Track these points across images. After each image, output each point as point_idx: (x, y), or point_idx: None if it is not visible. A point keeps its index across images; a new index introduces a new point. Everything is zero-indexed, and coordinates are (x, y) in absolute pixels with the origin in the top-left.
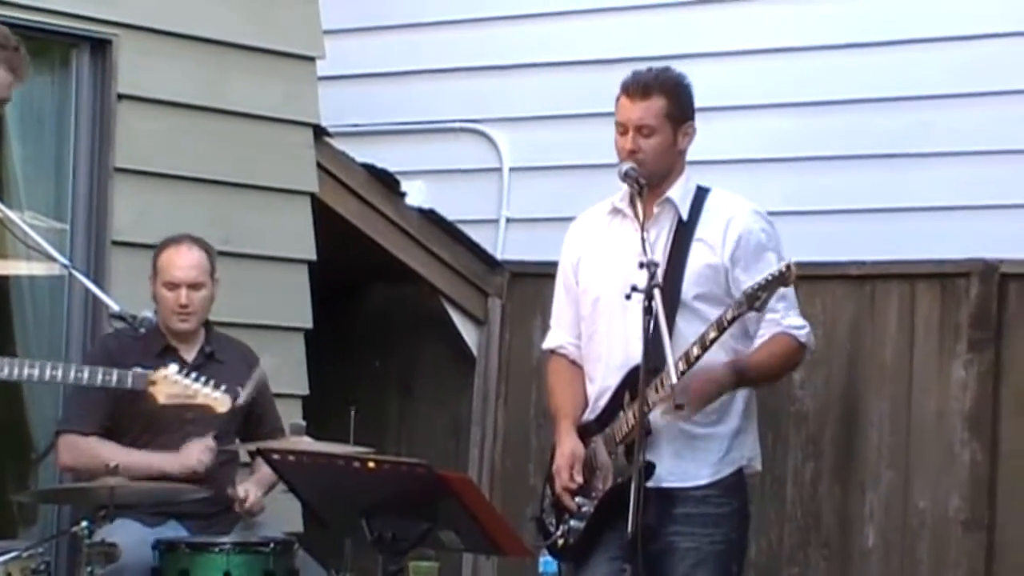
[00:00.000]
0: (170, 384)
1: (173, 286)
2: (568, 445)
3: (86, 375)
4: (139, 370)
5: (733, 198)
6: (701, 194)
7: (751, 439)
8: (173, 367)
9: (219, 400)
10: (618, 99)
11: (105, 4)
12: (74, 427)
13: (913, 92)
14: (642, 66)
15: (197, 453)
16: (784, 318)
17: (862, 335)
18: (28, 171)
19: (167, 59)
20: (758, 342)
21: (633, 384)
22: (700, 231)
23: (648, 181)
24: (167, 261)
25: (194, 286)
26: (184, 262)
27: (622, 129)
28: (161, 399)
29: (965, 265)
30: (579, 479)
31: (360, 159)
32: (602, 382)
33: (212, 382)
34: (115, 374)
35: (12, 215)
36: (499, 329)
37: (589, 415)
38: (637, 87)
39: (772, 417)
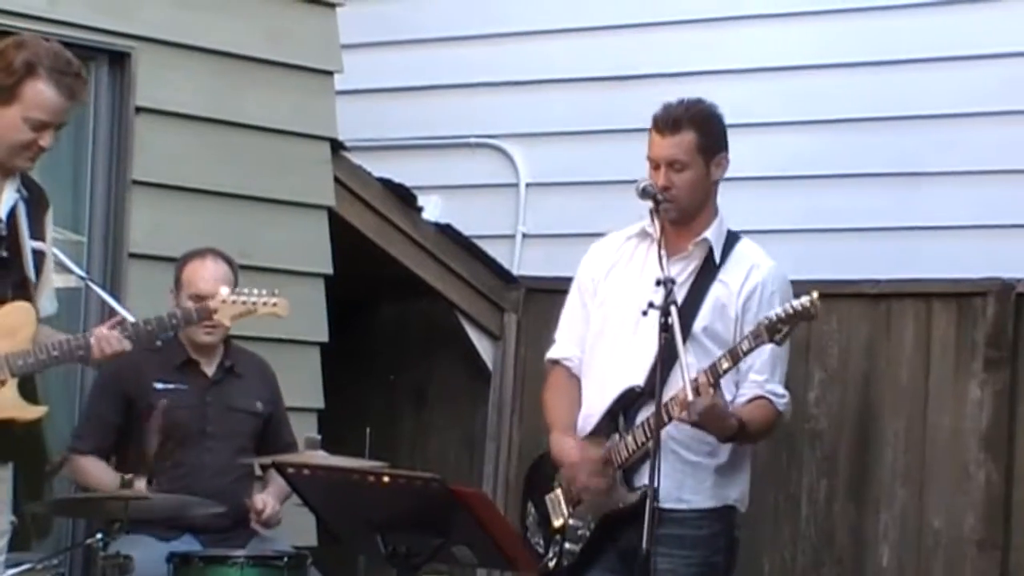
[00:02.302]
0: (229, 306)
1: (199, 299)
2: (576, 448)
3: (154, 325)
4: (200, 305)
5: (758, 252)
6: (731, 239)
7: (739, 479)
8: (224, 289)
9: (279, 305)
10: (649, 133)
11: (123, 17)
12: (74, 446)
13: (931, 111)
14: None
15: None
16: (768, 383)
17: (877, 354)
18: (46, 183)
19: (185, 73)
20: (740, 401)
21: (626, 407)
22: (724, 274)
23: (679, 216)
24: (192, 274)
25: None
26: (210, 275)
27: (654, 165)
28: (227, 322)
29: (982, 284)
30: (601, 482)
31: (377, 174)
32: (596, 401)
33: (264, 291)
34: (180, 314)
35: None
36: (515, 344)
37: (584, 431)
38: (667, 122)
39: (786, 435)
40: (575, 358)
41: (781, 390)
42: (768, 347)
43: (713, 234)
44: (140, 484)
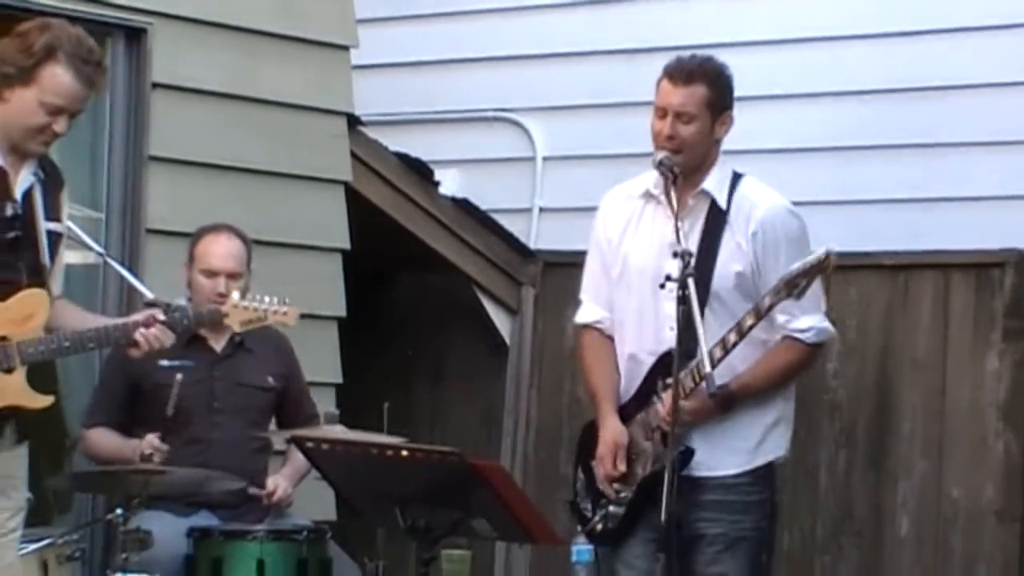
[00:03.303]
0: (240, 312)
1: (211, 274)
2: (611, 432)
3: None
4: (212, 308)
5: (762, 191)
6: (735, 180)
7: (784, 430)
8: (236, 294)
9: (288, 315)
10: (659, 82)
11: None
12: (86, 421)
13: (948, 81)
14: (676, 55)
15: (146, 444)
16: (790, 322)
17: (895, 325)
18: (63, 159)
19: (201, 48)
20: (770, 344)
21: (666, 369)
22: (731, 223)
23: (682, 169)
24: (205, 249)
25: (232, 276)
26: (223, 251)
27: (661, 113)
28: (237, 328)
29: (1000, 255)
30: (622, 468)
31: (394, 148)
32: (633, 367)
33: (276, 299)
34: (191, 316)
35: None
36: (532, 318)
37: (624, 398)
38: (680, 72)
39: (805, 407)
40: (604, 319)
41: (806, 324)
42: None
43: (713, 183)
44: (152, 437)
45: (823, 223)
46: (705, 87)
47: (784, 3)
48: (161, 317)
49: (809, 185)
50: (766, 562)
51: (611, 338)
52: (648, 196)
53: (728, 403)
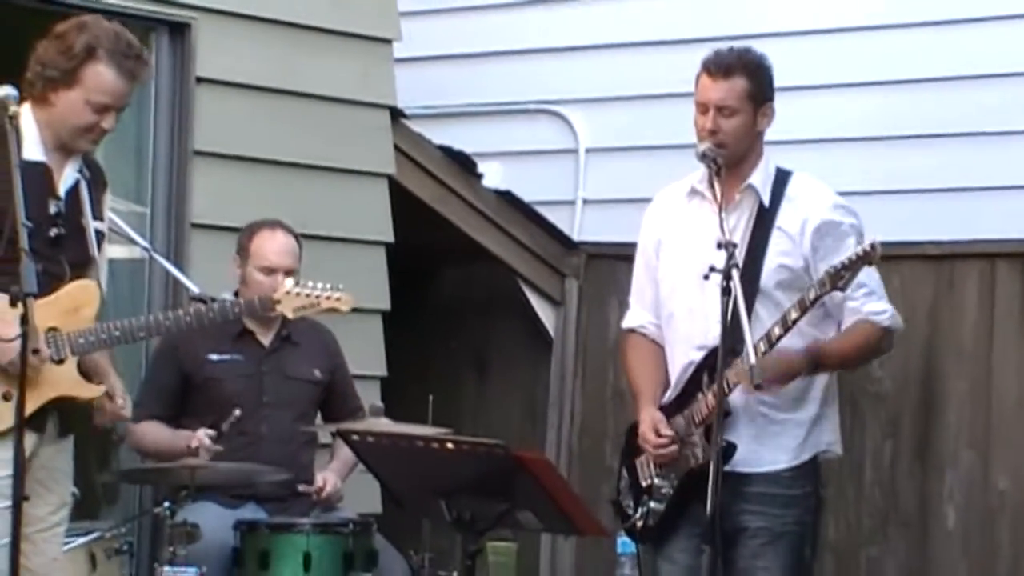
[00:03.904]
0: (292, 298)
1: (270, 271)
2: (648, 416)
3: (216, 312)
4: (263, 296)
5: (814, 186)
6: (782, 177)
7: (830, 425)
8: (289, 281)
9: (342, 300)
10: (698, 77)
11: None
12: (133, 413)
13: (993, 70)
14: (719, 46)
15: (197, 439)
16: (864, 304)
17: (941, 315)
18: (108, 155)
19: (245, 42)
20: (843, 328)
21: (712, 365)
22: (780, 219)
23: (726, 162)
24: (263, 246)
25: (289, 272)
26: (280, 247)
27: (702, 108)
28: (290, 315)
29: None
30: (668, 431)
31: (437, 141)
32: (682, 363)
33: (328, 285)
34: (243, 303)
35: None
36: (576, 310)
37: (669, 395)
38: (719, 66)
39: (850, 398)
40: (649, 324)
41: (881, 306)
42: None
43: (759, 178)
44: (203, 434)
45: (868, 213)
46: (745, 79)
47: None
48: (190, 308)
49: (854, 175)
50: (809, 557)
51: (655, 342)
52: (693, 193)
53: (816, 363)
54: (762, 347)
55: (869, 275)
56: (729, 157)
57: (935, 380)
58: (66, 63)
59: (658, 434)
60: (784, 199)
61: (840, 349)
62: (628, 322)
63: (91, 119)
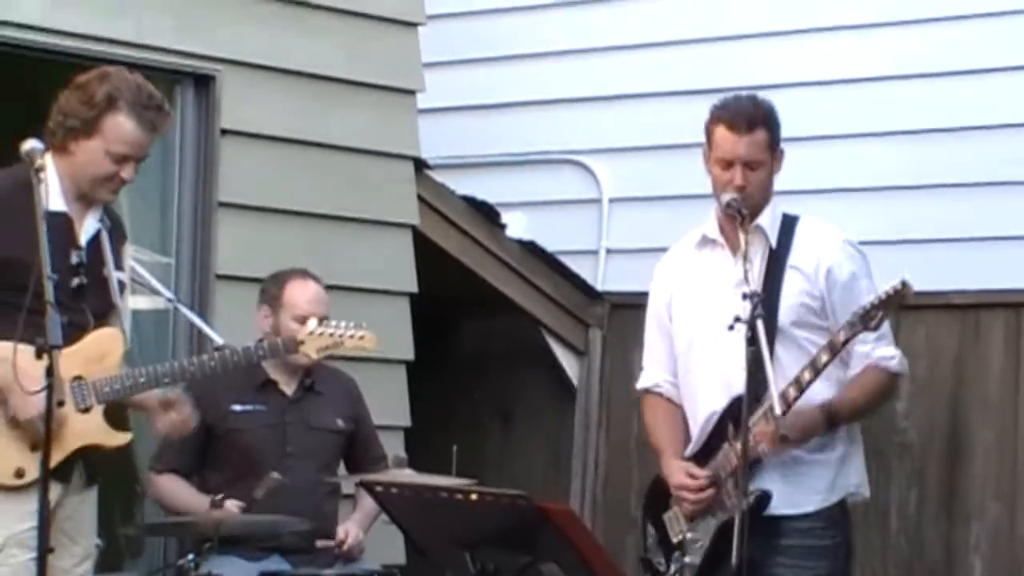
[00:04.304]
0: (316, 338)
1: (304, 320)
2: (676, 467)
3: (241, 356)
4: (287, 337)
5: (823, 228)
6: (789, 222)
7: (856, 465)
8: (312, 321)
9: (366, 339)
10: (713, 130)
11: (208, 40)
12: (154, 465)
13: (1018, 120)
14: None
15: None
16: (875, 349)
17: (966, 365)
18: (133, 206)
19: (269, 94)
20: (851, 373)
21: (735, 416)
22: (793, 258)
23: (751, 212)
24: (295, 295)
25: (322, 320)
26: (313, 296)
27: (726, 164)
28: (314, 355)
29: None
30: (703, 472)
31: (460, 191)
32: (704, 415)
33: (352, 323)
34: (267, 345)
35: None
36: (600, 360)
37: (692, 448)
38: (741, 120)
39: (876, 448)
40: (664, 383)
41: (891, 351)
42: None
43: (766, 220)
44: (231, 504)
45: (892, 262)
46: (765, 130)
47: (848, 43)
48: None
49: (879, 224)
50: None
51: (671, 400)
52: (705, 242)
53: (833, 420)
54: (792, 392)
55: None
56: (755, 208)
57: (961, 430)
58: (87, 113)
59: (694, 477)
60: (794, 239)
61: (853, 402)
62: (643, 383)
63: (110, 169)
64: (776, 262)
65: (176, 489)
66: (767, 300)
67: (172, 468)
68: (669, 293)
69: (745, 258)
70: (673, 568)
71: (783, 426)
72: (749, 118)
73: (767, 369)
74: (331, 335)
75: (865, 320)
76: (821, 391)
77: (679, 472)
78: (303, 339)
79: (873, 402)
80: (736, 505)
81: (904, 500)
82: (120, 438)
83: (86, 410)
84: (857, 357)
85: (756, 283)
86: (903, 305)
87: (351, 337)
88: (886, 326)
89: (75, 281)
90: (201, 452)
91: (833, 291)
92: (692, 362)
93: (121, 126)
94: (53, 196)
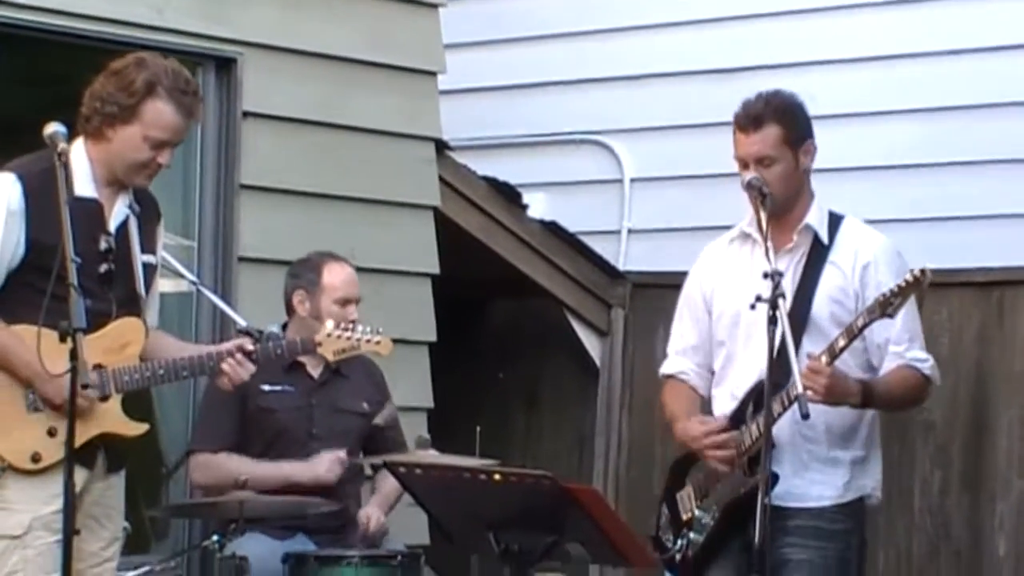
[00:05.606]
0: (333, 341)
1: (345, 302)
2: (688, 422)
3: (258, 354)
4: (304, 337)
5: (866, 229)
6: (835, 221)
7: (873, 470)
8: (330, 323)
9: (382, 344)
10: (734, 133)
11: (229, 24)
12: (204, 446)
13: None
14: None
15: (327, 463)
16: (908, 351)
17: (990, 342)
18: (156, 189)
19: (291, 77)
20: (882, 373)
21: (757, 397)
22: (833, 255)
23: (776, 209)
24: (334, 278)
25: (357, 302)
26: (350, 277)
27: (742, 164)
28: (330, 357)
29: None
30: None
31: (482, 172)
32: (730, 404)
33: (369, 328)
34: (285, 344)
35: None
36: (622, 340)
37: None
38: (748, 119)
39: (899, 427)
40: (688, 371)
41: (924, 355)
42: (900, 317)
43: (815, 219)
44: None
45: (915, 241)
46: (776, 126)
47: (871, 20)
48: (249, 347)
49: (899, 202)
50: None
51: (692, 387)
52: (743, 237)
53: (867, 397)
54: (825, 359)
55: (914, 324)
56: (779, 202)
57: (985, 408)
58: (126, 99)
59: (707, 424)
60: (837, 238)
61: (887, 387)
62: (667, 368)
63: (148, 155)
64: (817, 258)
65: (233, 461)
66: (802, 293)
67: (214, 447)
68: (710, 287)
69: (766, 237)
70: (679, 544)
71: (812, 379)
72: (755, 116)
73: (789, 348)
74: (348, 339)
75: (884, 307)
76: None
77: (694, 424)
78: (321, 340)
79: (905, 397)
80: (742, 484)
81: (928, 479)
82: (137, 428)
83: (105, 398)
84: (891, 357)
85: (793, 277)
86: (922, 291)
87: (367, 342)
88: (918, 331)
89: (103, 267)
90: (241, 429)
91: (867, 290)
92: (734, 350)
93: (160, 112)
94: (84, 182)
